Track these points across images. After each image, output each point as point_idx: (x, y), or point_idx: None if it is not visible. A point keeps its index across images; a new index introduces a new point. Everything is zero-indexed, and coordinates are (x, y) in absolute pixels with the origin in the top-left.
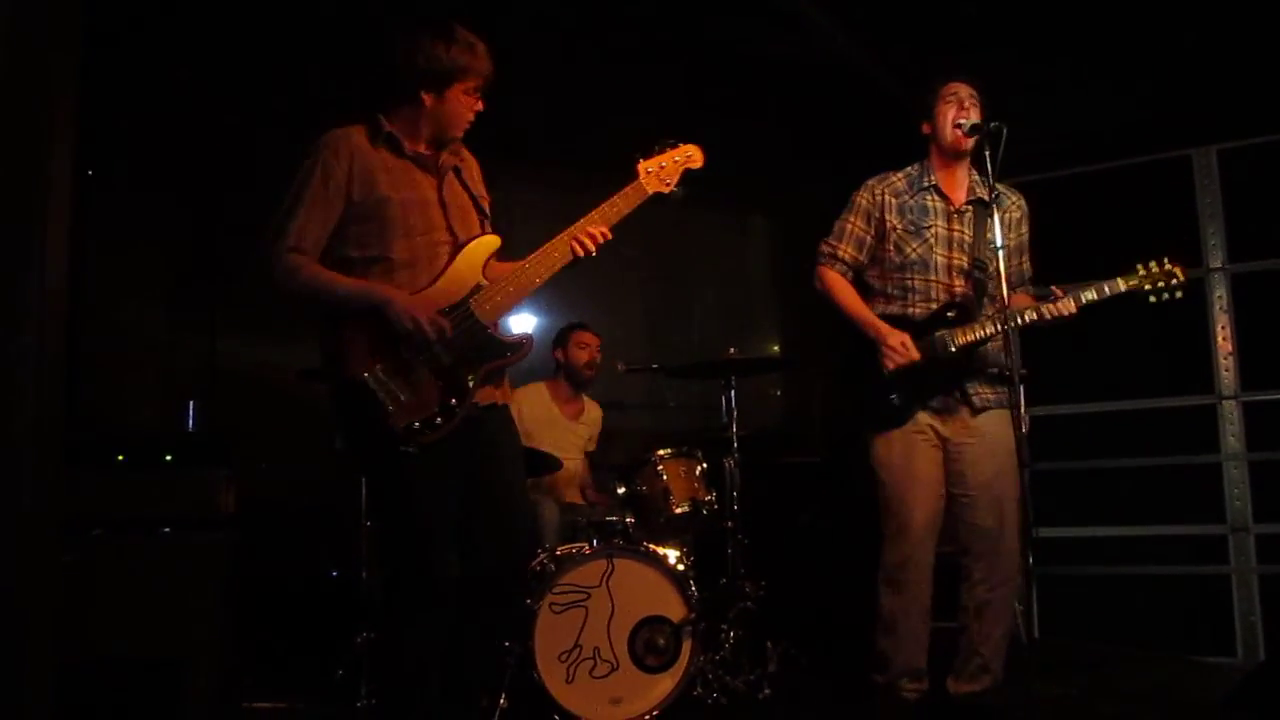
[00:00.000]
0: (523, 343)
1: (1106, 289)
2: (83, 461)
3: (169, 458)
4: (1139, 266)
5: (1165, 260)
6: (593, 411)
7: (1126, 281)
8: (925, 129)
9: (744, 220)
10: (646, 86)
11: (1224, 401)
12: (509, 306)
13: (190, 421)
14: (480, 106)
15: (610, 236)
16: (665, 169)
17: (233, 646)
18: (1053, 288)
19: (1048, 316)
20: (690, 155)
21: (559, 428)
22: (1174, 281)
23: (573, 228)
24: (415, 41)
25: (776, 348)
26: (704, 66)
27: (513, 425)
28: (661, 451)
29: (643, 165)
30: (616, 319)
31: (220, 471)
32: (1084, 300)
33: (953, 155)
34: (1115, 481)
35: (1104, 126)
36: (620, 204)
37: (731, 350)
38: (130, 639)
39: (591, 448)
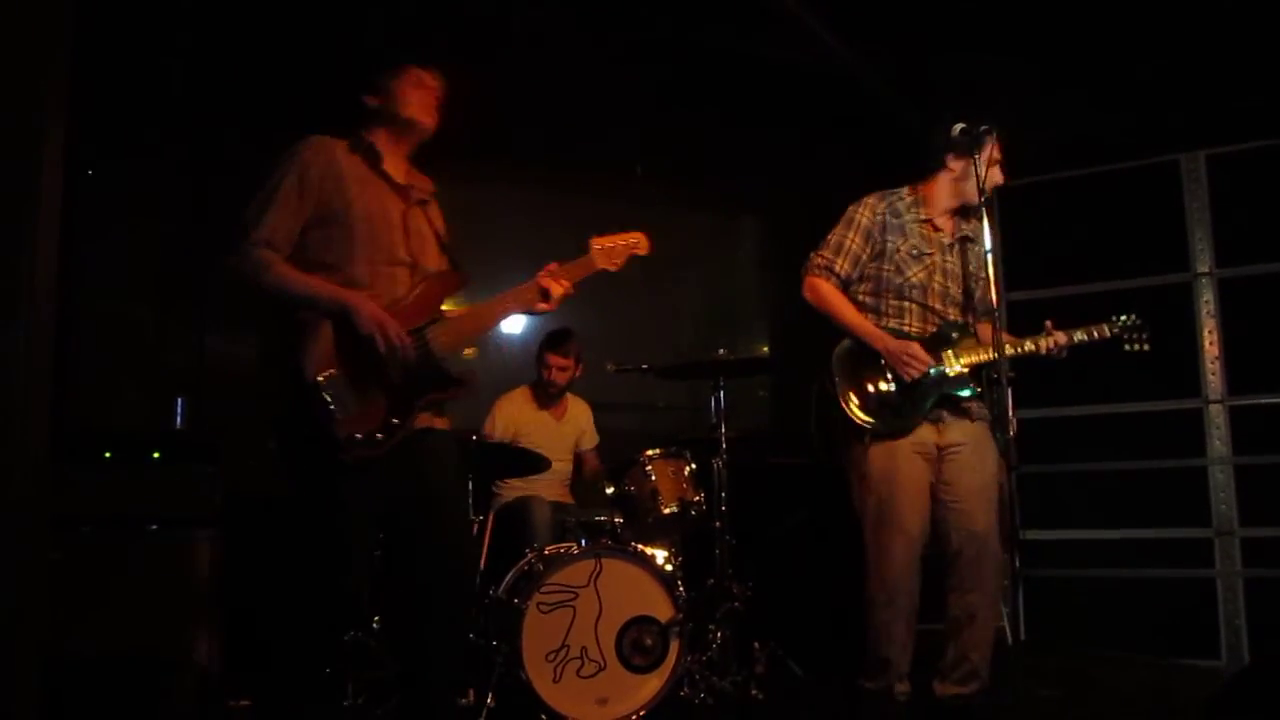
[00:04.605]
0: (465, 380)
1: (1095, 333)
2: (71, 459)
3: (157, 455)
4: (1115, 317)
5: (1133, 315)
6: (576, 409)
7: (1111, 328)
8: (952, 163)
9: (734, 222)
10: (640, 90)
11: (1211, 405)
12: (462, 343)
13: (178, 419)
14: (438, 87)
15: (571, 291)
16: (615, 249)
17: (219, 644)
18: (1046, 323)
19: (1042, 351)
20: (638, 243)
21: (546, 429)
22: (1145, 335)
23: (532, 281)
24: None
25: (765, 349)
26: (697, 70)
27: (452, 445)
28: (650, 452)
29: (595, 241)
30: (606, 319)
31: (208, 469)
32: (1075, 341)
33: (965, 204)
34: (1102, 485)
35: (1092, 131)
36: (573, 271)
37: (720, 351)
38: (118, 636)
39: (587, 445)
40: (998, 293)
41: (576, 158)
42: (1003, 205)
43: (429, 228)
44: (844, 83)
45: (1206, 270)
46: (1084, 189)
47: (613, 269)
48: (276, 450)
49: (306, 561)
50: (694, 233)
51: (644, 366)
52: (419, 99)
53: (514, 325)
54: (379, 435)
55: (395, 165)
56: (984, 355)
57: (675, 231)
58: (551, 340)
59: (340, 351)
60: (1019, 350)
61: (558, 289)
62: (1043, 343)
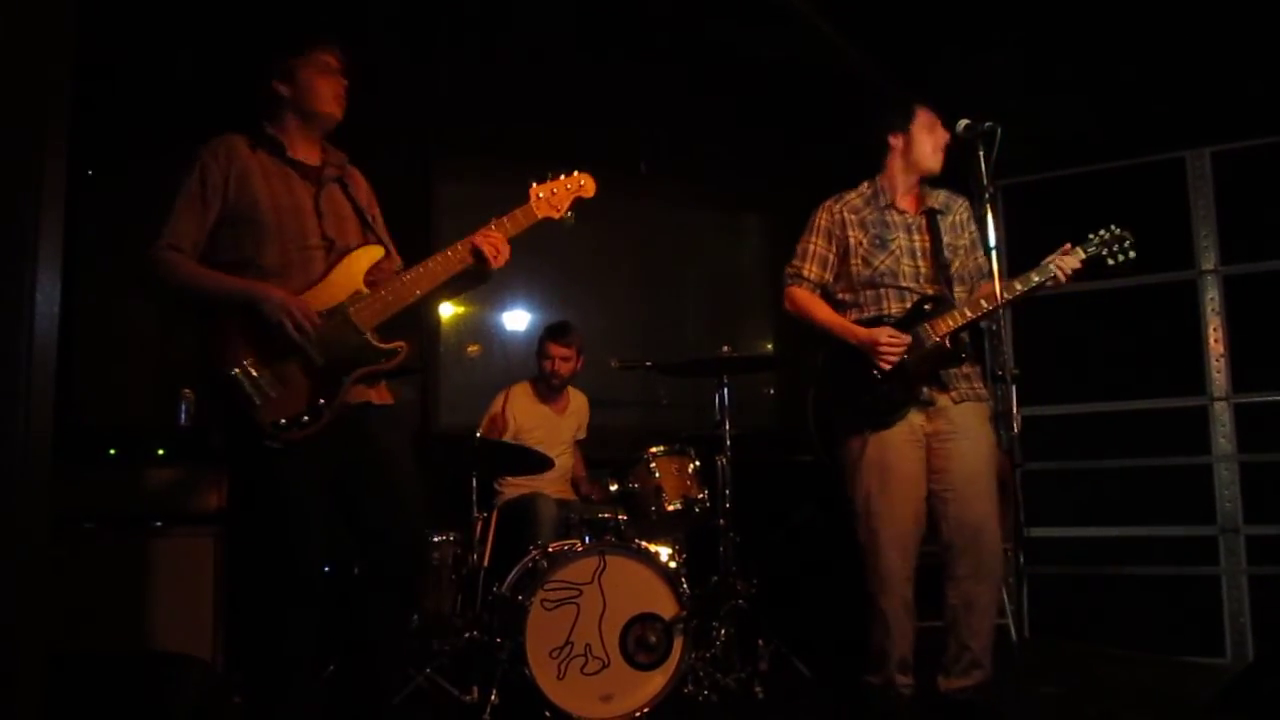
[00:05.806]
0: (398, 351)
1: (1066, 264)
2: (75, 455)
3: (161, 452)
4: (1091, 235)
5: (1113, 226)
6: (576, 401)
7: (1086, 249)
8: (894, 140)
9: (738, 219)
10: (643, 87)
11: (1215, 403)
12: (385, 314)
13: (182, 415)
14: (342, 69)
15: (507, 247)
16: (557, 195)
17: (224, 640)
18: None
19: (999, 299)
20: (583, 184)
21: (547, 423)
22: (1126, 244)
23: (462, 241)
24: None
25: (769, 346)
26: (700, 67)
27: (395, 421)
28: (654, 449)
29: (535, 189)
30: (610, 316)
31: (212, 465)
32: (1035, 281)
33: (923, 177)
34: (1106, 482)
35: (1097, 128)
36: (508, 225)
37: (725, 348)
38: (122, 633)
39: (582, 436)
40: (975, 284)
41: (580, 156)
42: (1006, 203)
43: (347, 205)
44: (847, 80)
45: (1211, 268)
46: (1088, 187)
47: (556, 216)
48: (221, 444)
49: (260, 549)
50: (698, 230)
51: (648, 363)
52: (327, 89)
53: (517, 322)
54: (305, 418)
55: (306, 149)
56: (959, 319)
57: (679, 229)
58: (553, 331)
59: (253, 342)
60: (1005, 297)
61: (488, 246)
62: (1018, 283)
